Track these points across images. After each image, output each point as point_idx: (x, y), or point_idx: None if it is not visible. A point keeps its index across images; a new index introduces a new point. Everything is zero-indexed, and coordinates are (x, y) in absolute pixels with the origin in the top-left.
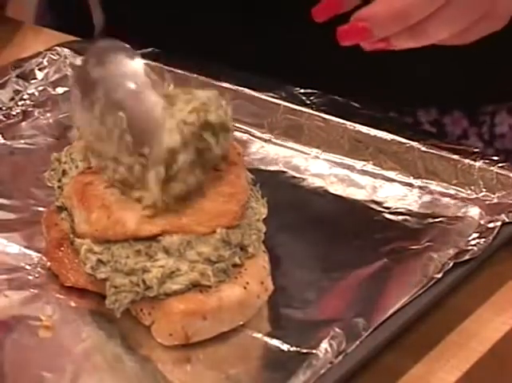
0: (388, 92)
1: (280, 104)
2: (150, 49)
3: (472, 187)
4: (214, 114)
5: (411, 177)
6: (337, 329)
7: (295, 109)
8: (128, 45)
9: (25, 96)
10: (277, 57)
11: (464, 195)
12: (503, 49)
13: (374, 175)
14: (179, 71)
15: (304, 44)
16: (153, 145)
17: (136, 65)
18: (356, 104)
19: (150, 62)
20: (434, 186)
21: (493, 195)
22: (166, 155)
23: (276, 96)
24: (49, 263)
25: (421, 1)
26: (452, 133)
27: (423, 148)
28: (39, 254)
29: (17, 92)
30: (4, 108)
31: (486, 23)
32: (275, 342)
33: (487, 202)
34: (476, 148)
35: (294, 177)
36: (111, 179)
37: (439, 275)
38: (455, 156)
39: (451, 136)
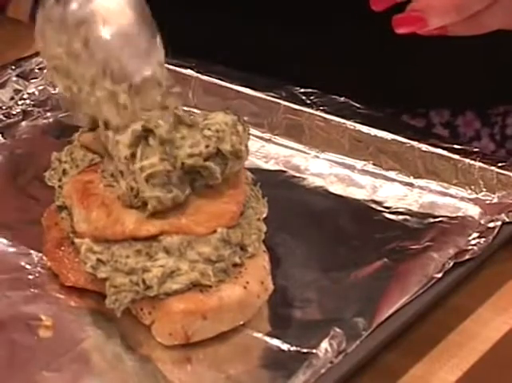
0: (401, 93)
1: (280, 104)
2: None
3: (472, 187)
4: (227, 143)
5: (412, 177)
6: (337, 329)
7: (295, 109)
8: None
9: (25, 96)
10: (277, 57)
11: (464, 194)
12: None
13: (374, 175)
14: (179, 71)
15: (304, 44)
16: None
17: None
18: (356, 104)
19: None
20: (434, 186)
21: (493, 195)
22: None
23: (276, 95)
24: (49, 263)
25: None
26: (464, 134)
27: (423, 148)
28: (39, 254)
29: (17, 91)
30: (4, 108)
31: None
32: (275, 342)
33: (487, 202)
34: (476, 147)
35: (294, 177)
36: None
37: (439, 275)
38: (455, 156)
39: (464, 138)
